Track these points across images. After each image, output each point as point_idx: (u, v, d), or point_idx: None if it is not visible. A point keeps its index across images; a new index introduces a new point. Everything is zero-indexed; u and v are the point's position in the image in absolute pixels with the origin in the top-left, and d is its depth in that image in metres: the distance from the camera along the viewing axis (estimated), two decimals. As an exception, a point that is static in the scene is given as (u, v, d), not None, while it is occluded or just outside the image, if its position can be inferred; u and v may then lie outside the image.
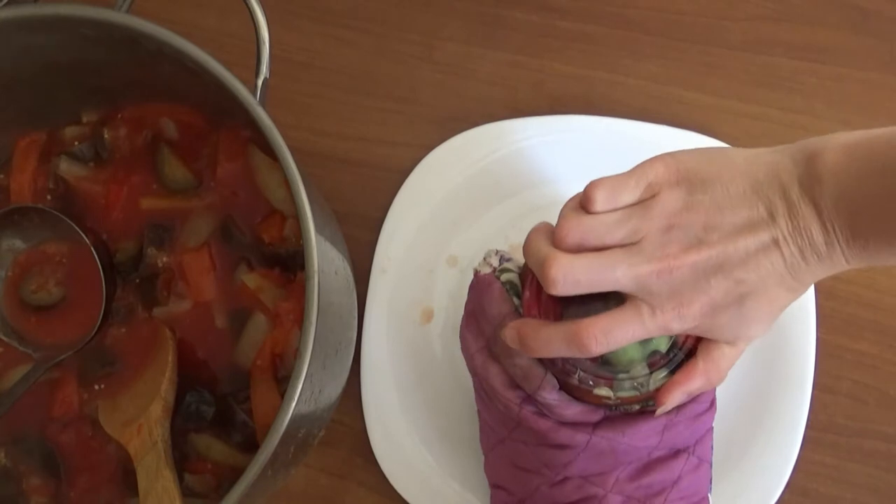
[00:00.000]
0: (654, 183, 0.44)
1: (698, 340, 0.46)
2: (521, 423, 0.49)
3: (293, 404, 0.42)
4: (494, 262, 0.51)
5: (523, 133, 0.62)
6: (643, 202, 0.44)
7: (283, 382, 0.52)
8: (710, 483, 0.51)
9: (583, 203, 0.45)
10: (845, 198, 0.40)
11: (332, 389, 0.53)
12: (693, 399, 0.48)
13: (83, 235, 0.55)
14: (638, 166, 0.45)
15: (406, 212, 0.62)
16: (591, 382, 0.46)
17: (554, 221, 0.46)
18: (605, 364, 0.46)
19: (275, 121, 0.45)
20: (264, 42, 0.48)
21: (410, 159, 0.63)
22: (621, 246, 0.43)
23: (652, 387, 0.46)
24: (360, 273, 0.60)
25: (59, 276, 0.57)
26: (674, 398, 0.45)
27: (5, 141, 0.58)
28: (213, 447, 0.53)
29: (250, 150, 0.56)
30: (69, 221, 0.55)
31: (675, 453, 0.49)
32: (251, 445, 0.53)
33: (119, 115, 0.58)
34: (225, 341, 0.54)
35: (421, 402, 0.60)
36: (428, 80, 0.66)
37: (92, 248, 0.55)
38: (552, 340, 0.44)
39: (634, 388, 0.46)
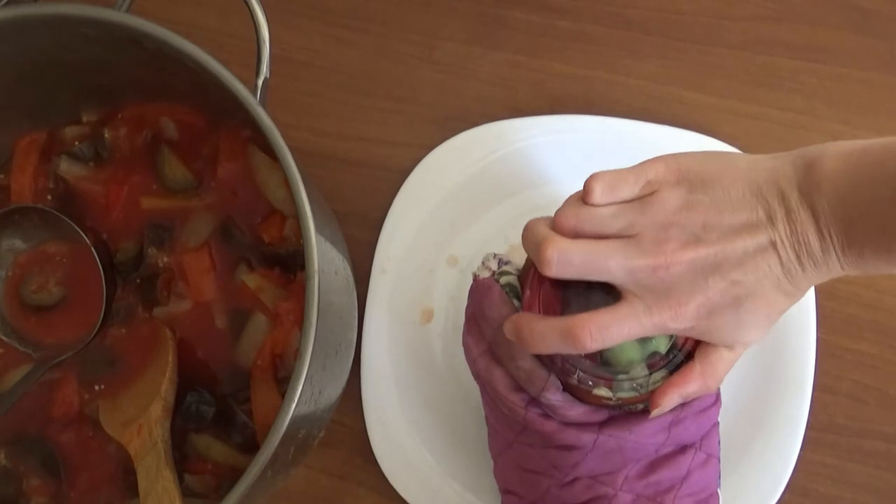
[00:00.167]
0: (654, 181, 0.44)
1: (697, 343, 0.46)
2: (527, 426, 0.49)
3: (293, 405, 0.42)
4: (493, 265, 0.51)
5: (523, 133, 0.62)
6: (642, 199, 0.44)
7: (283, 383, 0.52)
8: (719, 478, 0.51)
9: (582, 194, 0.45)
10: (842, 205, 0.40)
11: (333, 390, 0.53)
12: None
13: (83, 235, 0.55)
14: (639, 164, 0.45)
15: (406, 212, 0.62)
16: (590, 383, 0.46)
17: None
18: (605, 364, 0.46)
19: (275, 120, 0.45)
20: (264, 42, 0.48)
21: (410, 159, 0.63)
22: (619, 238, 0.44)
23: (651, 388, 0.46)
24: (360, 273, 0.60)
25: (60, 276, 0.57)
26: (669, 401, 0.45)
27: (5, 141, 0.58)
28: (213, 447, 0.53)
29: (250, 149, 0.56)
30: (69, 221, 0.55)
31: (683, 449, 0.49)
32: (251, 446, 0.53)
33: (119, 115, 0.58)
34: (225, 341, 0.54)
35: (421, 402, 0.60)
36: (428, 80, 0.66)
37: (92, 248, 0.55)
38: (547, 334, 0.44)
39: (633, 389, 0.46)
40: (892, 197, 0.39)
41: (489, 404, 0.53)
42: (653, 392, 0.45)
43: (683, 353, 0.46)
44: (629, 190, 0.45)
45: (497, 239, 0.62)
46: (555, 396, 0.47)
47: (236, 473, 0.43)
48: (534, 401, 0.49)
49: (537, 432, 0.49)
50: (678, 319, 0.43)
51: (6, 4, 0.61)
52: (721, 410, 0.51)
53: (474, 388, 0.54)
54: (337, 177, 0.65)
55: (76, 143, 0.58)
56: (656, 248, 0.42)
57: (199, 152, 0.57)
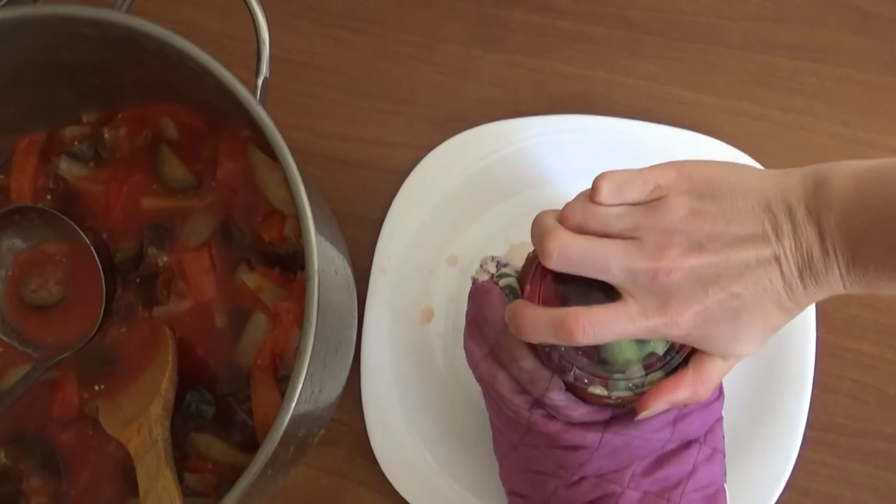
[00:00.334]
0: (664, 186, 0.44)
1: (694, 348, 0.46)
2: (531, 427, 0.49)
3: (293, 404, 0.42)
4: (491, 268, 0.51)
5: (523, 133, 0.62)
6: (649, 203, 0.44)
7: (283, 382, 0.52)
8: (725, 473, 0.51)
9: (590, 192, 0.45)
10: (848, 223, 0.40)
11: (332, 389, 0.53)
12: None
13: (83, 235, 0.55)
14: (650, 167, 0.45)
15: (406, 212, 0.62)
16: (586, 381, 0.46)
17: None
18: (602, 363, 0.46)
19: (275, 121, 0.46)
20: (264, 42, 0.48)
21: (410, 160, 0.63)
22: (622, 239, 0.44)
23: (647, 388, 0.46)
24: (360, 273, 0.60)
25: (59, 276, 0.57)
26: (657, 406, 0.45)
27: (5, 141, 0.58)
28: (213, 446, 0.53)
29: (250, 150, 0.56)
30: (69, 221, 0.55)
31: (688, 444, 0.49)
32: (251, 445, 0.53)
33: (119, 115, 0.58)
34: (225, 341, 0.54)
35: (421, 402, 0.60)
36: (427, 81, 0.66)
37: (92, 248, 0.55)
38: (540, 322, 0.44)
39: (629, 389, 0.46)
40: None
41: (493, 407, 0.53)
42: (638, 396, 0.46)
43: (681, 355, 0.46)
44: (637, 192, 0.45)
45: (497, 239, 0.62)
46: (558, 397, 0.47)
47: (236, 472, 0.43)
48: (537, 402, 0.49)
49: (542, 433, 0.49)
50: (672, 326, 0.43)
51: (6, 4, 0.61)
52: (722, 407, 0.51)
53: (474, 388, 0.54)
54: (337, 177, 0.65)
55: (76, 143, 0.58)
56: (659, 252, 0.42)
57: (200, 152, 0.57)
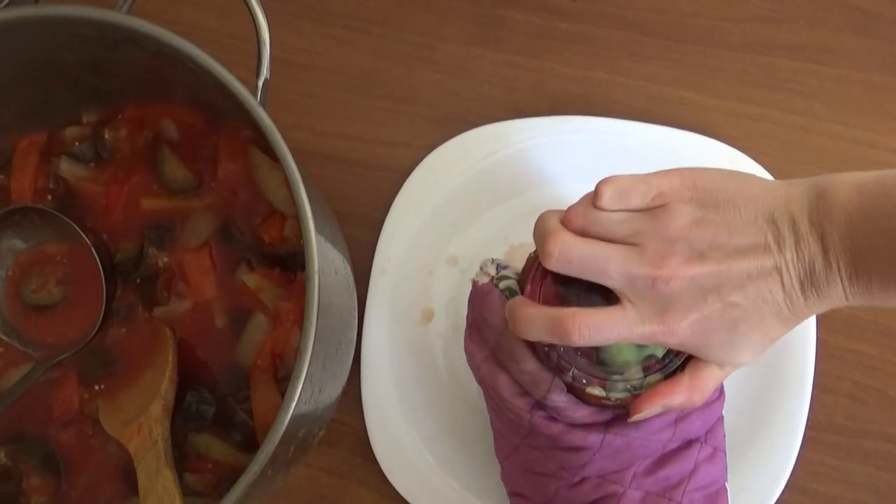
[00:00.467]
0: (667, 193, 0.44)
1: None
2: (533, 429, 0.49)
3: (293, 404, 0.42)
4: (491, 270, 0.51)
5: (523, 134, 0.62)
6: (651, 209, 0.44)
7: (283, 382, 0.52)
8: (727, 472, 0.51)
9: (593, 197, 0.45)
10: (852, 235, 0.40)
11: (332, 389, 0.53)
12: None
13: (83, 235, 0.55)
14: (653, 174, 0.45)
15: (406, 212, 0.62)
16: (584, 381, 0.46)
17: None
18: (600, 364, 0.46)
19: (275, 121, 0.45)
20: (265, 43, 0.48)
21: (410, 160, 0.63)
22: (623, 244, 0.44)
23: (645, 390, 0.46)
24: (360, 273, 0.60)
25: (60, 276, 0.57)
26: (651, 409, 0.45)
27: (6, 141, 0.58)
28: (213, 447, 0.53)
29: (251, 150, 0.56)
30: (69, 221, 0.55)
31: (689, 443, 0.49)
32: (251, 445, 0.53)
33: (119, 116, 0.58)
34: (225, 341, 0.55)
35: (421, 402, 0.60)
36: (428, 81, 0.66)
37: (92, 248, 0.55)
38: (538, 319, 0.44)
39: (627, 391, 0.46)
40: None
41: (494, 409, 0.53)
42: (636, 397, 0.46)
43: (680, 359, 0.46)
44: (639, 199, 0.44)
45: (497, 239, 0.62)
46: (560, 398, 0.47)
47: (236, 472, 0.43)
48: (538, 404, 0.49)
49: (543, 435, 0.49)
50: (669, 334, 0.43)
51: (6, 5, 0.61)
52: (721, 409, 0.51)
53: (474, 388, 0.54)
54: (337, 177, 0.65)
55: (76, 143, 0.58)
56: (659, 259, 0.42)
57: (200, 153, 0.57)
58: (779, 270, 0.42)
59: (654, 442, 0.48)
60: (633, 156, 0.62)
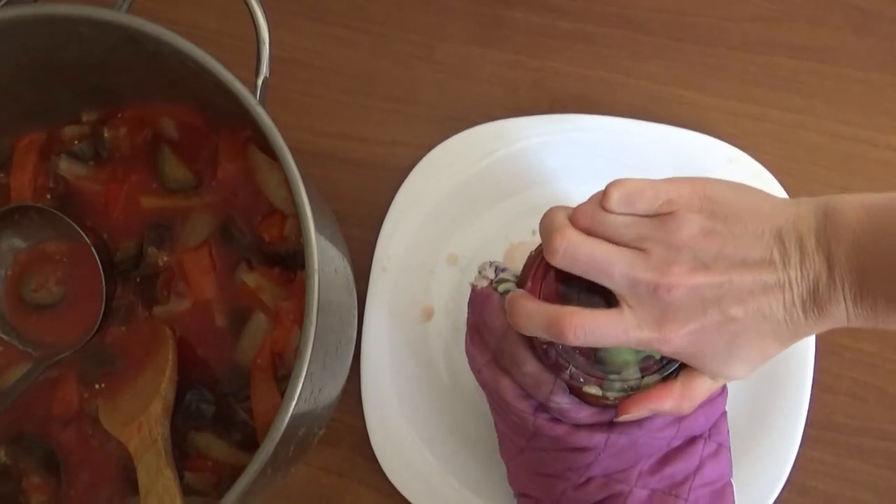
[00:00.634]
0: (675, 201, 0.44)
1: None
2: (537, 431, 0.49)
3: (293, 403, 0.42)
4: (490, 273, 0.51)
5: (523, 133, 0.62)
6: (659, 216, 0.44)
7: (283, 381, 0.52)
8: (732, 467, 0.51)
9: (601, 198, 0.45)
10: (859, 256, 0.40)
11: (332, 388, 0.53)
12: None
13: (83, 234, 0.55)
14: (663, 180, 0.45)
15: (406, 211, 0.62)
16: (581, 380, 0.46)
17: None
18: (598, 363, 0.46)
19: (275, 121, 0.45)
20: (264, 42, 0.48)
21: (410, 159, 0.63)
22: (629, 248, 0.43)
23: (642, 391, 0.46)
24: (359, 272, 0.60)
25: (60, 275, 0.57)
26: (638, 412, 0.45)
27: (5, 140, 0.58)
28: (213, 446, 0.53)
29: (250, 149, 0.56)
30: (69, 220, 0.55)
31: (693, 440, 0.50)
32: (251, 444, 0.53)
33: (119, 115, 0.58)
34: (225, 340, 0.55)
35: (421, 401, 0.60)
36: (428, 80, 0.66)
37: (92, 248, 0.55)
38: (536, 315, 0.44)
39: (624, 391, 0.46)
40: None
41: (497, 412, 0.53)
42: (618, 399, 0.46)
43: (678, 361, 0.46)
44: (647, 204, 0.44)
45: (497, 238, 0.62)
46: (563, 400, 0.47)
47: (236, 471, 0.43)
48: (541, 406, 0.49)
49: (548, 437, 0.49)
50: (664, 342, 0.43)
51: (6, 5, 0.61)
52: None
53: (474, 387, 0.54)
54: (337, 176, 0.65)
55: (76, 142, 0.58)
56: (664, 267, 0.42)
57: (199, 152, 0.57)
58: (781, 287, 0.42)
59: (658, 440, 0.48)
60: (633, 154, 0.62)
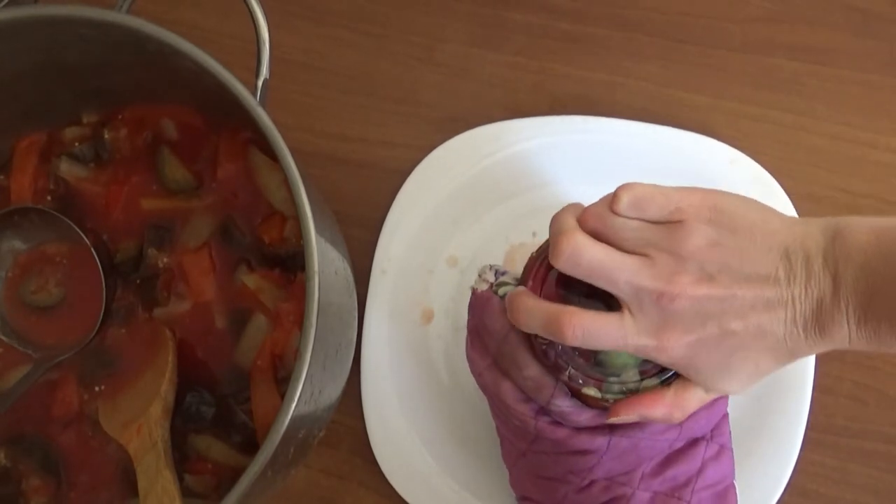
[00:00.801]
0: (684, 210, 0.43)
1: None
2: (538, 434, 0.49)
3: (293, 405, 0.42)
4: (490, 277, 0.51)
5: (523, 134, 0.62)
6: (668, 224, 0.43)
7: (283, 383, 0.52)
8: (734, 469, 0.51)
9: (611, 201, 0.45)
10: (868, 278, 0.40)
11: (332, 390, 0.53)
12: None
13: (83, 236, 0.55)
14: (674, 188, 0.44)
15: (406, 212, 0.62)
16: (580, 381, 0.46)
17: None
18: (598, 365, 0.46)
19: (275, 122, 0.45)
20: (264, 43, 0.48)
21: (410, 160, 0.63)
22: (635, 255, 0.43)
23: (641, 394, 0.46)
24: (360, 274, 0.60)
25: (59, 277, 0.57)
26: (629, 416, 0.45)
27: (6, 141, 0.58)
28: (213, 448, 0.53)
29: (250, 150, 0.56)
30: (69, 222, 0.55)
31: (695, 442, 0.50)
32: (251, 446, 0.53)
33: (119, 116, 0.58)
34: (225, 342, 0.54)
35: (421, 403, 0.60)
36: (428, 82, 0.66)
37: (92, 249, 0.55)
38: (535, 312, 0.44)
39: (622, 393, 0.46)
40: None
41: (499, 416, 0.53)
42: (617, 401, 0.46)
43: None
44: (656, 210, 0.44)
45: (497, 239, 0.62)
46: (564, 403, 0.47)
47: (236, 473, 0.42)
48: (542, 410, 0.49)
49: (550, 440, 0.49)
50: (661, 351, 0.43)
51: (6, 5, 0.61)
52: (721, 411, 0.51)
53: (474, 389, 0.54)
54: (337, 178, 0.65)
55: (76, 144, 0.58)
56: (669, 276, 0.42)
57: (200, 153, 0.57)
58: (783, 304, 0.42)
59: (660, 442, 0.48)
60: (633, 156, 0.62)
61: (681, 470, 0.49)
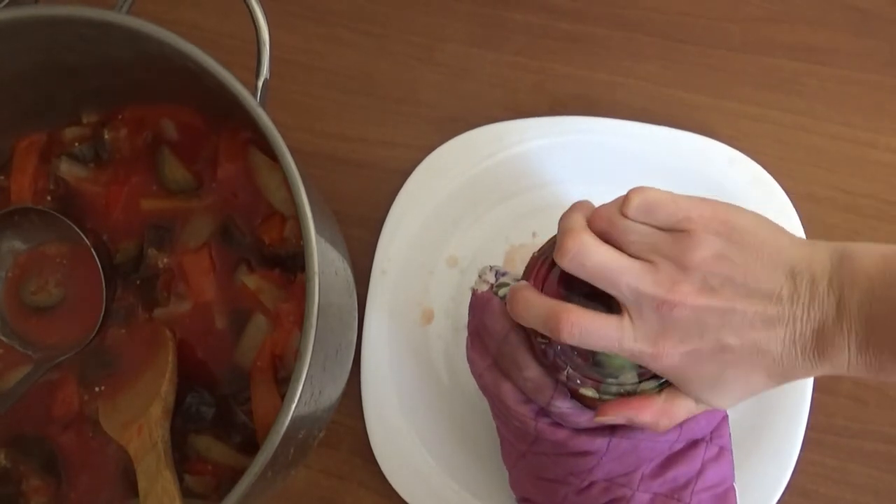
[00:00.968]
0: (694, 220, 0.43)
1: None
2: (539, 436, 0.49)
3: (293, 405, 0.42)
4: (490, 278, 0.51)
5: (523, 134, 0.62)
6: (676, 232, 0.43)
7: (283, 383, 0.52)
8: (734, 471, 0.51)
9: (621, 203, 0.45)
10: (873, 304, 0.40)
11: (332, 390, 0.53)
12: None
13: (83, 236, 0.55)
14: (686, 197, 0.44)
15: (406, 213, 0.62)
16: (578, 381, 0.46)
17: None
18: (596, 366, 0.46)
19: (275, 122, 0.45)
20: (264, 43, 0.48)
21: (410, 160, 0.63)
22: (639, 260, 0.43)
23: (638, 395, 0.46)
24: (360, 274, 0.60)
25: (60, 278, 0.57)
26: (616, 417, 0.45)
27: (6, 142, 0.58)
28: (213, 448, 0.53)
29: (250, 151, 0.56)
30: (69, 222, 0.55)
31: (695, 443, 0.50)
32: (251, 446, 0.53)
33: (119, 116, 0.58)
34: (225, 342, 0.54)
35: (421, 403, 0.60)
36: (428, 82, 0.66)
37: (92, 249, 0.55)
38: (534, 306, 0.44)
39: (620, 395, 0.46)
40: None
41: (499, 417, 0.53)
42: (606, 402, 0.46)
43: None
44: (665, 217, 0.43)
45: (497, 240, 0.62)
46: (564, 404, 0.47)
47: (236, 474, 0.43)
48: (543, 411, 0.48)
49: (550, 441, 0.49)
50: (656, 358, 0.43)
51: (6, 5, 0.61)
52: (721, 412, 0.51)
53: (474, 389, 0.54)
54: (337, 178, 0.65)
55: (76, 144, 0.58)
56: (672, 285, 0.42)
57: (199, 153, 0.57)
58: (783, 323, 0.41)
59: (660, 443, 0.48)
60: (633, 156, 0.62)
61: (680, 471, 0.49)
